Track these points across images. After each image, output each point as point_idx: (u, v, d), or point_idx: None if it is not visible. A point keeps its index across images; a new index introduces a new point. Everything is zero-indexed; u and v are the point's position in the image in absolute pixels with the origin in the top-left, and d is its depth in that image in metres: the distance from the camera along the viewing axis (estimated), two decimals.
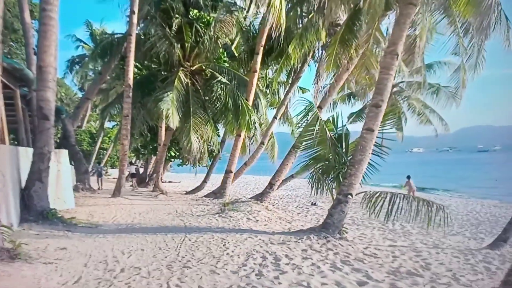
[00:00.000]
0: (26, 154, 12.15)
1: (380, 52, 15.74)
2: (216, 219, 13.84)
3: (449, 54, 13.87)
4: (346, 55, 15.79)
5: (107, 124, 51.95)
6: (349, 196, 10.95)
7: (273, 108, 27.37)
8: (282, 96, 27.55)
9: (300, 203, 23.38)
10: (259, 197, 18.68)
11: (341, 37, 15.59)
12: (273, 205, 20.11)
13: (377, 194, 11.11)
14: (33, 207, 11.13)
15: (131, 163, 31.58)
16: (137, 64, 24.66)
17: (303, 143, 11.57)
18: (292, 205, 22.21)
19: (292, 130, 28.90)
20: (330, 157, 11.39)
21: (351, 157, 11.25)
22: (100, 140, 49.87)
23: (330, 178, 11.64)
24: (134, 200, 19.74)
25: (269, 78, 26.32)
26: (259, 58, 19.48)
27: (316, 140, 10.97)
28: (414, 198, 10.97)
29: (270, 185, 18.67)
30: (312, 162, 11.69)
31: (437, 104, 25.44)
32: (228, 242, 9.68)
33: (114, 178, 35.30)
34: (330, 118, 11.74)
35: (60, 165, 15.71)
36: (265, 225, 13.69)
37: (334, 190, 11.78)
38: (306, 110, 10.96)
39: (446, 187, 43.31)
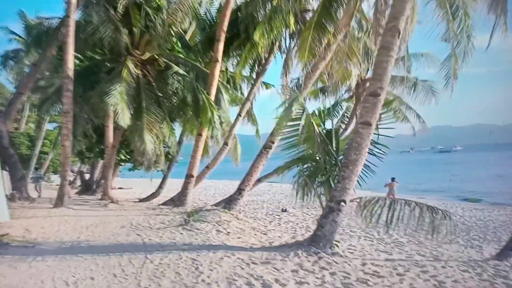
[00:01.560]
0: None
1: (363, 37, 14.61)
2: (181, 233, 12.05)
3: (434, 41, 12.75)
4: (323, 41, 14.50)
5: (48, 126, 48.58)
6: (342, 203, 9.53)
7: (235, 106, 25.63)
8: (245, 92, 26.07)
9: (269, 210, 21.99)
10: (227, 204, 16.94)
11: (317, 20, 14.30)
12: (241, 213, 18.48)
13: (375, 200, 9.79)
14: None
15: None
16: (78, 55, 22.26)
17: (285, 141, 9.97)
18: (260, 212, 20.72)
19: (257, 130, 27.42)
20: (318, 157, 9.88)
21: (343, 156, 9.81)
22: (40, 143, 46.33)
23: (318, 181, 10.12)
24: (80, 210, 17.51)
25: (230, 72, 24.58)
26: (221, 45, 17.77)
27: (301, 137, 9.41)
28: (416, 204, 9.72)
29: (239, 190, 16.96)
30: (294, 163, 10.15)
31: (415, 99, 24.57)
32: (201, 264, 8.00)
33: (57, 185, 32.49)
34: (316, 111, 10.24)
35: None
36: (238, 238, 12.07)
37: (323, 195, 10.27)
38: (290, 101, 9.37)
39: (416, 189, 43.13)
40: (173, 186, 31.97)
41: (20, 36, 32.63)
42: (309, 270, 8.05)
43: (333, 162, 9.79)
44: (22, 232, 11.67)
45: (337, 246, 10.09)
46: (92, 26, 18.16)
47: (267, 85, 26.48)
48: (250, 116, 26.64)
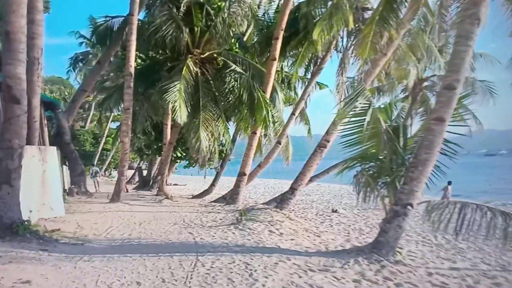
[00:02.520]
0: None
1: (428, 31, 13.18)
2: (233, 232, 11.18)
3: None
4: (385, 37, 13.20)
5: (111, 125, 49.58)
6: (409, 207, 8.28)
7: (289, 106, 24.57)
8: (298, 92, 25.03)
9: (319, 210, 20.69)
10: (279, 204, 15.94)
11: (380, 15, 13.03)
12: (291, 213, 17.40)
13: (444, 205, 8.48)
14: None
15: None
16: (141, 54, 22.08)
17: (347, 138, 8.81)
18: (310, 212, 19.49)
19: (309, 129, 26.24)
20: (383, 155, 8.68)
21: (411, 156, 8.55)
22: (103, 140, 47.36)
23: (381, 183, 8.89)
24: (135, 206, 17.11)
25: (285, 72, 23.58)
26: (279, 44, 16.81)
27: (366, 133, 8.24)
28: (489, 209, 8.34)
29: (292, 190, 15.91)
30: (356, 162, 8.98)
31: (472, 100, 22.37)
32: (255, 270, 7.03)
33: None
34: (383, 106, 9.02)
35: (46, 165, 13.14)
36: (291, 239, 11.04)
37: (386, 198, 9.04)
38: (355, 94, 8.22)
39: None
40: (225, 183, 31.45)
41: (89, 39, 33.27)
42: (372, 281, 6.93)
43: (400, 161, 8.54)
44: (74, 227, 11.20)
45: (400, 253, 8.87)
46: (155, 25, 17.80)
47: (320, 85, 25.25)
48: (303, 116, 25.49)
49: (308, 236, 12.06)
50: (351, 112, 8.33)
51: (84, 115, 55.68)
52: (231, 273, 6.83)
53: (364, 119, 8.26)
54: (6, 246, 7.98)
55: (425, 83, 21.64)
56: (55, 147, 14.18)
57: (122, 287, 5.95)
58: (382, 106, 9.12)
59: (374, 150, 8.69)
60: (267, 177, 43.44)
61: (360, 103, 8.17)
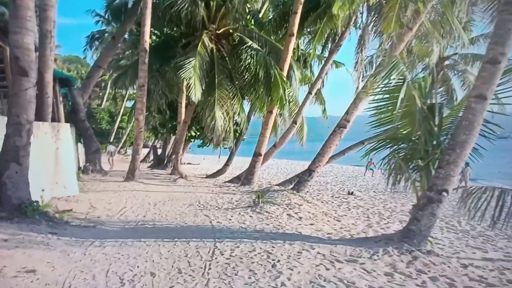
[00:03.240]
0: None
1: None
2: (250, 216, 10.51)
3: None
4: (411, 10, 12.16)
5: (127, 104, 48.99)
6: (444, 193, 7.44)
7: (304, 85, 23.51)
8: (314, 71, 23.97)
9: (334, 192, 20.00)
10: (296, 186, 15.16)
11: None
12: (306, 194, 16.62)
13: (481, 190, 7.62)
14: (6, 199, 7.86)
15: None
16: (156, 31, 21.15)
17: (378, 116, 7.92)
18: (326, 194, 18.77)
19: (324, 109, 25.23)
20: (416, 136, 7.80)
21: (448, 137, 7.67)
22: (119, 118, 46.81)
23: (414, 166, 8.04)
24: (149, 185, 16.50)
25: (301, 49, 22.46)
26: (297, 18, 15.78)
27: (399, 112, 7.34)
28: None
29: (309, 171, 15.08)
30: (386, 144, 8.12)
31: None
32: (278, 260, 6.32)
33: None
34: (415, 82, 8.06)
35: (59, 142, 12.52)
36: (311, 224, 10.34)
37: (418, 182, 8.20)
38: (389, 68, 7.29)
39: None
40: (238, 164, 30.76)
41: (105, 18, 32.35)
42: (405, 274, 6.19)
43: (435, 143, 7.66)
44: (87, 208, 10.59)
45: (430, 242, 8.07)
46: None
47: (337, 64, 24.07)
48: (318, 95, 24.45)
49: (328, 221, 11.34)
50: (383, 89, 7.42)
51: (101, 94, 55.19)
52: (252, 263, 6.14)
53: (397, 95, 7.35)
54: (14, 228, 7.35)
55: (447, 62, 20.53)
56: (68, 124, 13.54)
57: (134, 279, 5.27)
58: (415, 81, 8.10)
59: (407, 130, 7.80)
60: (279, 158, 42.77)
61: (394, 79, 7.27)
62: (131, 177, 16.83)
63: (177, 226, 9.04)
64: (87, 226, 8.54)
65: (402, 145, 8.10)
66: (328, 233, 9.29)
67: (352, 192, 19.03)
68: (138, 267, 5.74)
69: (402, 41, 12.94)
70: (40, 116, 12.37)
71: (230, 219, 9.93)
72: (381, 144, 8.30)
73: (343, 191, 20.49)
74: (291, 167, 38.80)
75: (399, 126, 7.69)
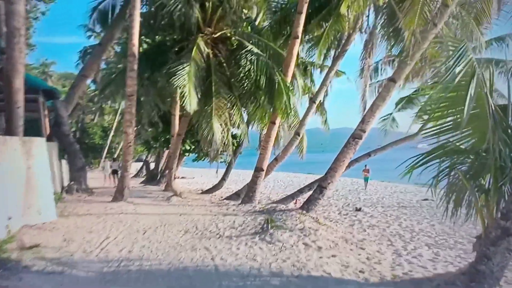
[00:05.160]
0: None
1: None
2: (260, 247, 8.31)
3: None
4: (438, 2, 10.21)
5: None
6: None
7: (305, 94, 21.43)
8: (315, 80, 22.04)
9: (340, 208, 17.95)
10: (305, 205, 12.93)
11: None
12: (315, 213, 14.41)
13: None
14: None
15: (114, 160, 26.56)
16: (147, 40, 19.02)
17: (434, 122, 5.79)
18: (332, 211, 16.68)
19: (326, 120, 23.20)
20: (483, 148, 5.68)
21: None
22: (111, 133, 44.52)
23: (478, 185, 5.90)
24: (140, 206, 14.16)
25: (301, 57, 20.44)
26: (302, 19, 13.76)
27: (465, 114, 5.22)
28: None
29: (321, 188, 12.86)
30: (440, 156, 5.98)
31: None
32: None
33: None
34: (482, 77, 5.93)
35: (32, 160, 10.24)
36: (333, 256, 8.17)
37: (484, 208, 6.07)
38: (457, 57, 5.21)
39: None
40: (233, 177, 28.48)
41: (97, 33, 30.30)
42: None
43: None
44: (60, 241, 8.30)
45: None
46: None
47: (338, 73, 22.04)
48: (318, 106, 22.40)
49: (351, 249, 9.16)
50: (445, 84, 5.31)
51: (94, 108, 53.04)
52: None
53: (464, 94, 5.24)
54: None
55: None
56: (41, 138, 11.25)
57: None
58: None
59: (473, 140, 5.69)
60: (275, 170, 40.51)
61: (461, 71, 5.18)
62: (119, 197, 14.51)
63: (171, 267, 6.78)
64: (52, 272, 6.26)
65: (462, 159, 5.97)
66: (361, 271, 7.11)
67: (360, 208, 17.01)
68: None
69: (426, 40, 10.94)
70: (8, 129, 10.16)
71: (237, 254, 7.72)
72: (429, 157, 6.14)
73: (348, 206, 18.52)
74: (288, 179, 36.60)
75: (464, 133, 5.57)
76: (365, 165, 25.25)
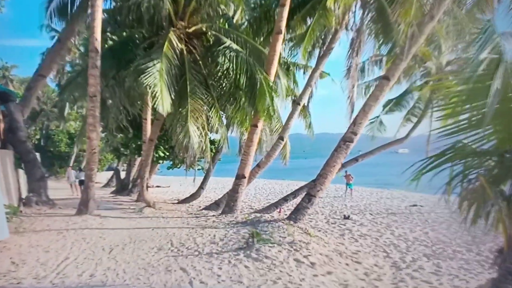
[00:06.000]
0: None
1: None
2: (245, 265, 7.46)
3: None
4: None
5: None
6: None
7: (287, 96, 20.70)
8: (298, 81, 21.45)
9: (326, 216, 17.25)
10: (293, 214, 12.14)
11: None
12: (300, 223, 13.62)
13: None
14: None
15: (80, 169, 25.59)
16: (113, 37, 17.90)
17: (455, 118, 5.08)
18: (319, 220, 15.94)
19: (310, 124, 22.52)
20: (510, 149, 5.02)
21: None
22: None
23: (502, 192, 5.23)
24: (107, 219, 13.09)
25: (283, 57, 19.72)
26: (286, 12, 13.06)
27: (489, 110, 4.54)
28: None
29: (309, 197, 12.09)
30: (457, 158, 5.27)
31: None
32: None
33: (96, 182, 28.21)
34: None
35: None
36: (328, 273, 7.46)
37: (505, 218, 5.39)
38: (482, 40, 4.54)
39: None
40: (212, 185, 27.50)
41: (61, 33, 29.04)
42: None
43: None
44: (7, 264, 7.26)
45: None
46: None
47: (322, 74, 21.45)
48: (302, 109, 21.72)
49: (347, 264, 8.45)
50: (469, 73, 4.63)
51: (59, 114, 51.08)
52: None
53: (488, 85, 4.57)
54: None
55: (448, 67, 18.26)
56: None
57: None
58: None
59: (497, 139, 5.02)
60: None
61: (485, 58, 4.52)
62: (84, 210, 13.41)
63: None
64: None
65: (482, 162, 5.29)
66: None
67: (349, 216, 16.36)
68: None
69: (423, 33, 10.37)
70: None
71: (219, 275, 6.83)
72: (444, 158, 5.44)
73: (335, 213, 17.87)
74: (269, 186, 35.82)
75: (487, 133, 4.89)
76: (345, 171, 24.55)
